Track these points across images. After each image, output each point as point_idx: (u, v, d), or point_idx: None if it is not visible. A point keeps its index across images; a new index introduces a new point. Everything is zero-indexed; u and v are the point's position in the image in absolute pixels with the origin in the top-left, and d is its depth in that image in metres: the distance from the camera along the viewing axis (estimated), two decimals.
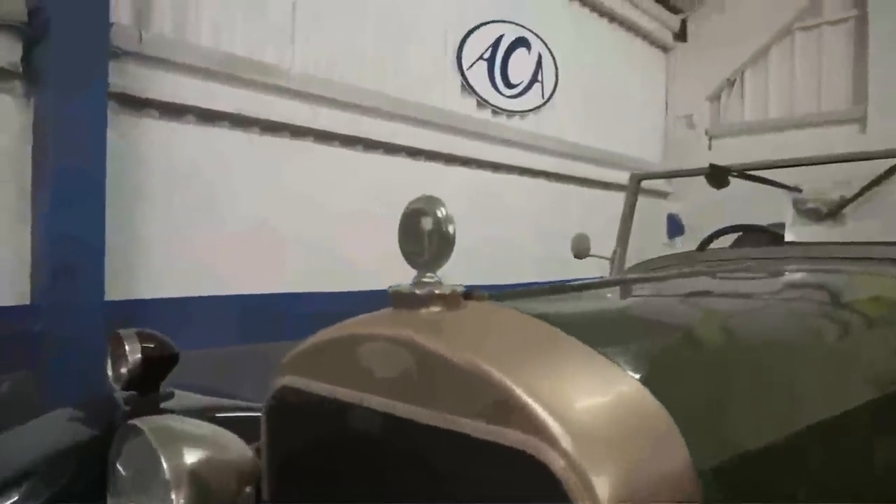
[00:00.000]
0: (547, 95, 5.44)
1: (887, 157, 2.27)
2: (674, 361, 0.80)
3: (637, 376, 0.70)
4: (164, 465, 0.99)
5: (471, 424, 0.67)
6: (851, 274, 1.62)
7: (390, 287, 0.84)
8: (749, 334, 0.99)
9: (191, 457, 1.01)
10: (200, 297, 3.09)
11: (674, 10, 7.06)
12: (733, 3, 6.81)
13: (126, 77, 2.90)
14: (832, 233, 2.42)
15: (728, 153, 5.88)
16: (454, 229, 0.80)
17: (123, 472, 1.06)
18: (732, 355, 0.87)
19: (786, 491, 0.75)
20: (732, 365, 0.84)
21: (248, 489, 1.03)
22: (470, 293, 0.85)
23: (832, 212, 2.41)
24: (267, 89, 3.41)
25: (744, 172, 2.63)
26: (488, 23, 4.90)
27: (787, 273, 1.51)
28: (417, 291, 0.79)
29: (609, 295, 1.06)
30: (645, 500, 0.60)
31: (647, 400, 0.67)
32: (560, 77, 5.53)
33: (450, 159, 4.44)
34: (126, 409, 1.45)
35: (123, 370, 1.46)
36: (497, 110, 5.02)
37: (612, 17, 6.33)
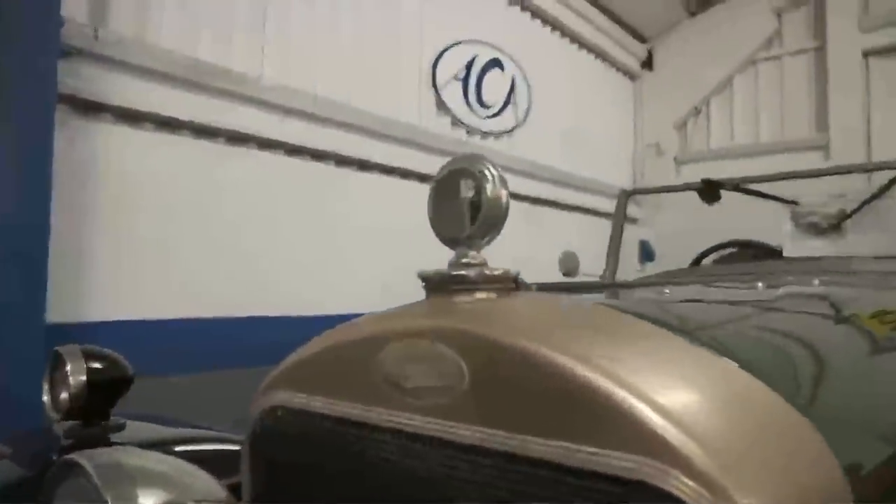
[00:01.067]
0: (521, 118, 5.38)
1: (888, 169, 2.22)
2: (786, 359, 0.64)
3: (761, 380, 0.53)
4: None
5: (556, 447, 0.48)
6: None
7: (420, 271, 0.65)
8: (831, 339, 0.84)
9: (146, 499, 0.79)
10: (157, 321, 2.82)
11: (640, 38, 7.17)
12: (698, 33, 6.95)
13: (78, 78, 2.66)
14: (833, 247, 2.34)
15: (696, 179, 5.92)
16: (507, 196, 0.63)
17: None
18: (840, 356, 0.71)
19: None
20: (846, 365, 0.68)
21: None
22: (517, 282, 0.67)
23: (833, 225, 2.34)
24: (234, 98, 3.20)
25: (738, 186, 2.55)
26: (462, 42, 4.82)
27: (826, 285, 1.38)
28: (463, 273, 0.61)
29: (666, 292, 0.90)
30: None
31: (778, 403, 0.50)
32: (533, 100, 5.48)
33: (424, 178, 4.29)
34: (67, 442, 1.20)
35: (64, 395, 1.22)
36: (471, 130, 4.92)
37: (581, 44, 6.36)
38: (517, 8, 5.49)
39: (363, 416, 0.63)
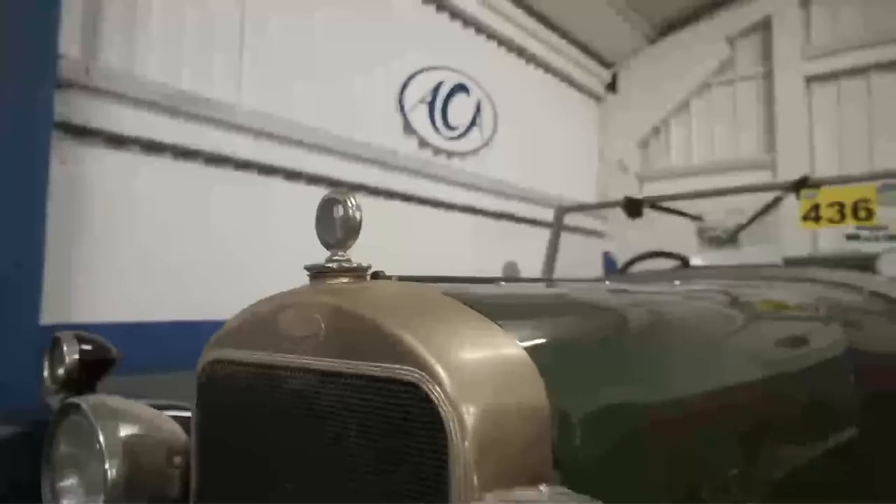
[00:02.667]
0: (486, 139, 5.74)
1: (773, 190, 2.59)
2: (547, 327, 0.97)
3: (511, 334, 0.85)
4: (101, 438, 1.08)
5: (371, 367, 0.81)
6: (746, 286, 1.84)
7: (306, 264, 0.99)
8: (635, 314, 1.15)
9: (125, 430, 1.11)
10: (140, 323, 3.12)
11: (605, 63, 7.60)
12: (658, 58, 7.39)
13: (71, 107, 2.99)
14: (730, 257, 2.71)
15: (657, 195, 6.31)
16: (361, 216, 0.96)
17: (61, 449, 1.14)
18: (613, 328, 1.04)
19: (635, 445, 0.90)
20: (608, 334, 1.02)
21: (177, 459, 1.13)
22: (377, 274, 1.00)
23: (730, 238, 2.71)
24: (213, 123, 3.54)
25: (655, 204, 2.92)
26: (428, 69, 5.19)
27: (687, 282, 1.72)
28: (331, 266, 0.94)
29: (502, 284, 1.24)
30: (503, 425, 0.75)
31: (513, 349, 0.83)
32: (499, 122, 5.85)
33: (391, 195, 4.63)
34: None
35: (60, 371, 1.52)
36: (437, 151, 5.27)
37: (547, 69, 6.76)
38: (483, 37, 5.88)
39: (271, 360, 0.95)
